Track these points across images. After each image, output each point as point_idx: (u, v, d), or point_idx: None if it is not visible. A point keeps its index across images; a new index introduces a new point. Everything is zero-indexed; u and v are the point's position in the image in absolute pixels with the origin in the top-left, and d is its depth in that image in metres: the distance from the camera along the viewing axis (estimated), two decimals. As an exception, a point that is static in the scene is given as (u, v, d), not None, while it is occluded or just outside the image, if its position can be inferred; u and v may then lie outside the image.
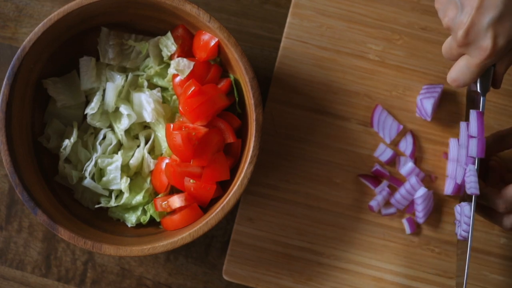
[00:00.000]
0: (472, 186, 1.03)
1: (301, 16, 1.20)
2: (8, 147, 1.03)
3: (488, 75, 1.00)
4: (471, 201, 1.04)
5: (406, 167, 1.17)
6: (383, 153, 1.18)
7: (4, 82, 1.03)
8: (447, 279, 1.16)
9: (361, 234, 1.17)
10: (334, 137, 1.19)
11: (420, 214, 1.15)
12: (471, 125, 1.04)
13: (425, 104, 1.16)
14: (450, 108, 1.19)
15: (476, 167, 1.04)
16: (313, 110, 1.19)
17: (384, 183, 1.17)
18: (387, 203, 1.17)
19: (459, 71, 0.99)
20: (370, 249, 1.17)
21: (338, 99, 1.19)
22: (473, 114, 1.04)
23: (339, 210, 1.17)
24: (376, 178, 1.18)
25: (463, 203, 1.07)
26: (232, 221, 1.19)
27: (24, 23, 1.23)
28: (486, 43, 0.93)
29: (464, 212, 1.07)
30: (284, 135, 1.19)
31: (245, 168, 1.04)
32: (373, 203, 1.16)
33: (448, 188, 1.17)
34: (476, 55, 0.95)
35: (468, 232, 1.05)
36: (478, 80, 1.02)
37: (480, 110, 1.03)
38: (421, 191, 1.14)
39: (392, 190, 1.17)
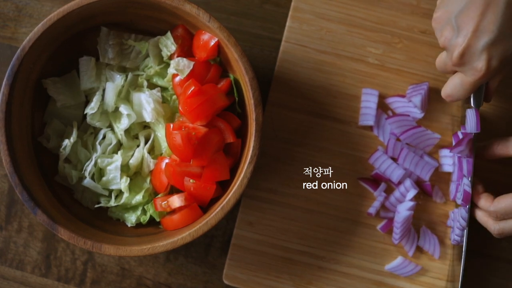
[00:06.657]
0: (460, 197, 1.11)
1: (300, 20, 1.21)
2: (8, 147, 1.03)
3: (481, 90, 1.08)
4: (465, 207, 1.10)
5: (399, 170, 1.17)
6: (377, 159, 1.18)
7: (4, 82, 1.03)
8: (448, 282, 1.15)
9: (362, 238, 1.17)
10: (334, 141, 1.19)
11: (396, 236, 1.16)
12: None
13: (414, 100, 1.16)
14: (441, 106, 1.19)
15: (469, 181, 1.09)
16: (313, 114, 1.19)
17: (382, 186, 1.17)
18: (384, 207, 1.17)
19: (453, 88, 1.05)
20: (370, 253, 1.17)
21: (338, 102, 1.19)
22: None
23: (340, 214, 1.17)
24: (376, 182, 1.18)
25: (455, 210, 1.12)
26: (232, 220, 1.19)
27: (24, 23, 1.24)
28: (480, 64, 0.99)
29: (457, 217, 1.11)
30: (283, 139, 1.19)
31: (245, 167, 1.04)
32: (371, 210, 1.16)
33: (452, 193, 1.17)
34: (470, 75, 1.01)
35: (461, 236, 1.11)
36: (472, 96, 1.08)
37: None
38: (402, 214, 1.15)
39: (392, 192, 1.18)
